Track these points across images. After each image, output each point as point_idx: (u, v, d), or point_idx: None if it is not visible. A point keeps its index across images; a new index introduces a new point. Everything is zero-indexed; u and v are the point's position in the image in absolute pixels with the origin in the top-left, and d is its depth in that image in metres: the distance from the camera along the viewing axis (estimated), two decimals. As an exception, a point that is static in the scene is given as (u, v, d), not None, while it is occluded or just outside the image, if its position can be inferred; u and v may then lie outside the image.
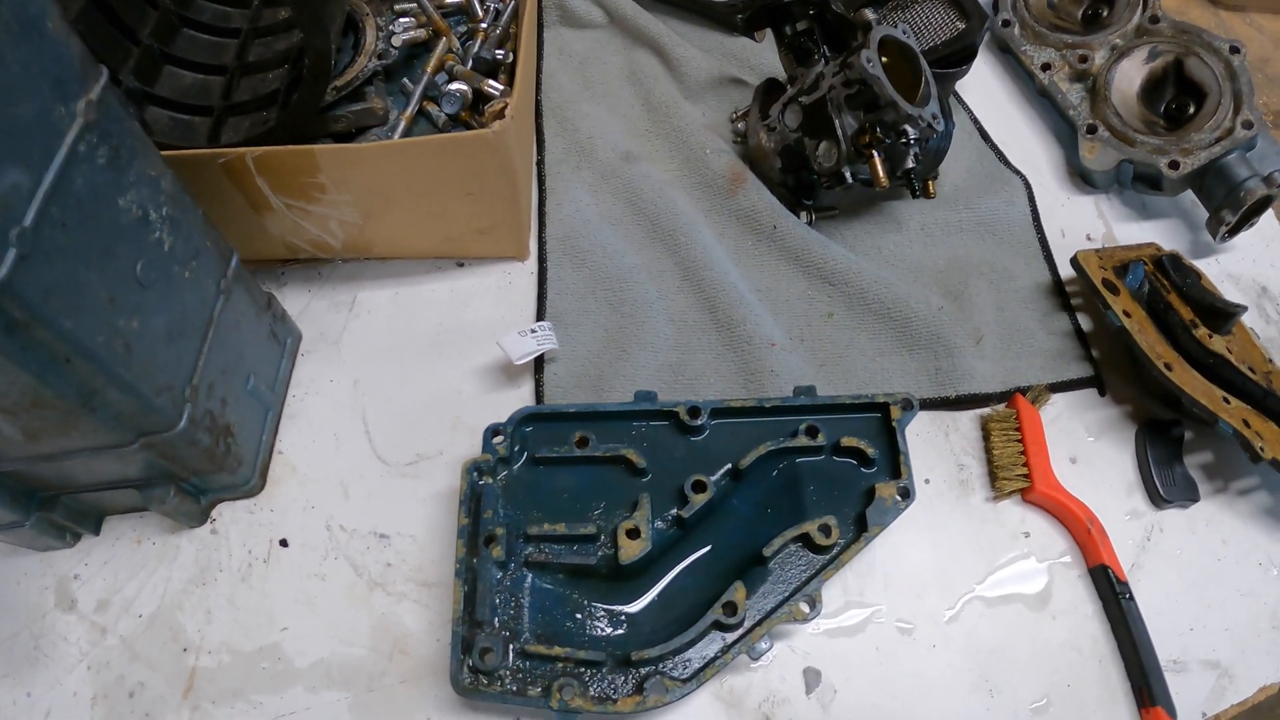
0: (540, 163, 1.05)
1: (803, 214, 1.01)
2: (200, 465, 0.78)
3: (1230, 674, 0.83)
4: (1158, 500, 0.90)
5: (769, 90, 1.04)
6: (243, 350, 0.83)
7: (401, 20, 1.00)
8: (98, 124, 0.61)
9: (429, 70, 0.96)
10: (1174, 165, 1.02)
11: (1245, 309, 0.94)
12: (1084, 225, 1.07)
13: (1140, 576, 0.86)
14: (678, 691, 0.72)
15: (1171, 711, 0.79)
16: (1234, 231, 1.03)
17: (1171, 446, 0.92)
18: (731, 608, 0.74)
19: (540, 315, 0.96)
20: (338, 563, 0.84)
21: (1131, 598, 0.83)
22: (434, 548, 0.84)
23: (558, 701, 0.71)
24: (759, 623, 0.75)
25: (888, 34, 0.91)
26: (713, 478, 0.81)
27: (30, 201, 0.54)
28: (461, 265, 1.00)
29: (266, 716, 0.77)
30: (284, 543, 0.85)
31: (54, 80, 0.57)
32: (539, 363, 0.92)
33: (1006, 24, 1.21)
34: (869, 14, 0.94)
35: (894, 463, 0.83)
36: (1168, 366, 0.88)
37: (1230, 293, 1.02)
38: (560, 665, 0.73)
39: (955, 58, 1.06)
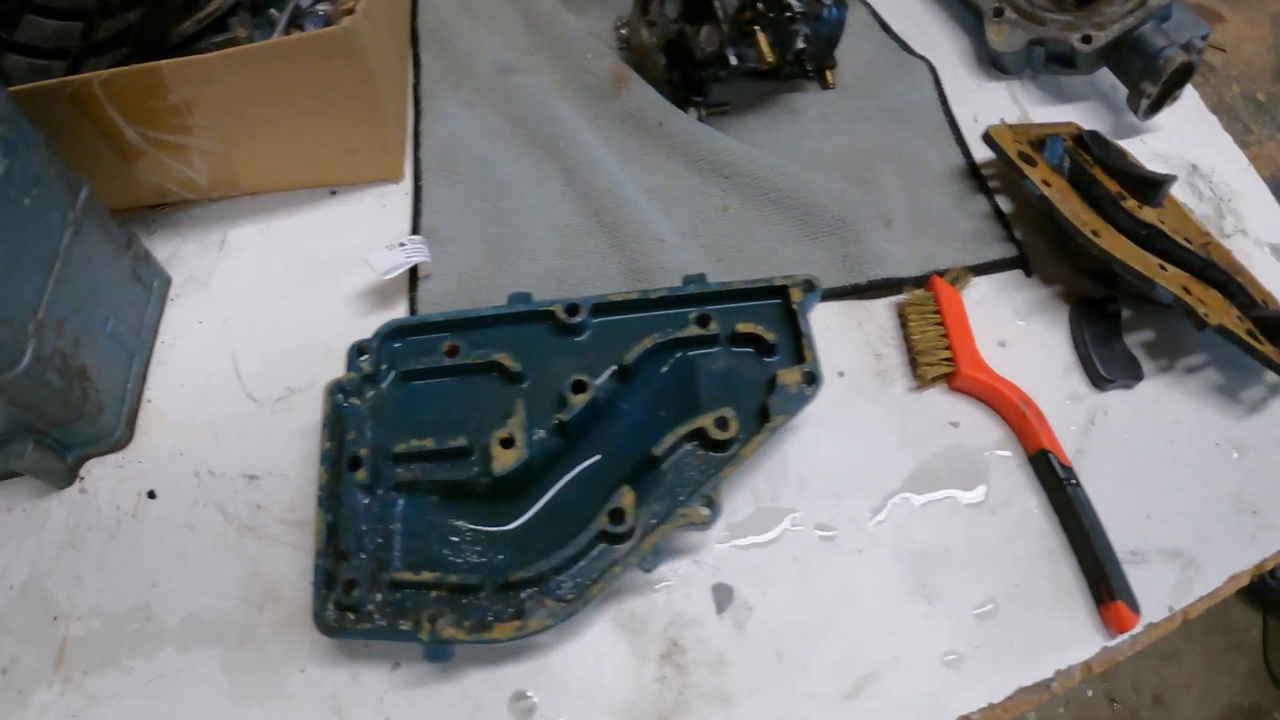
0: (416, 85, 0.91)
1: (691, 110, 0.87)
2: (56, 413, 0.67)
3: (1196, 563, 0.69)
4: (1099, 381, 0.76)
5: (650, -9, 0.91)
6: (99, 290, 0.71)
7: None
8: None
9: (292, -5, 0.84)
10: (1086, 39, 0.89)
11: (1175, 178, 0.81)
12: (998, 111, 0.93)
13: (1087, 463, 0.72)
14: (562, 613, 0.58)
15: (1134, 605, 0.65)
16: (1157, 106, 0.90)
17: (1109, 323, 0.79)
18: (618, 515, 0.60)
19: (415, 233, 0.82)
20: (206, 510, 0.70)
21: (1078, 484, 0.69)
22: (305, 484, 0.70)
23: (428, 633, 0.57)
24: (652, 530, 0.61)
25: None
26: (597, 380, 0.66)
27: None
28: (334, 193, 0.86)
29: (138, 682, 0.64)
30: (152, 494, 0.71)
31: None
32: (413, 280, 0.78)
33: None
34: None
35: (798, 348, 0.68)
36: (1095, 234, 0.75)
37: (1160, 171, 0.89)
38: (433, 594, 0.60)
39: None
